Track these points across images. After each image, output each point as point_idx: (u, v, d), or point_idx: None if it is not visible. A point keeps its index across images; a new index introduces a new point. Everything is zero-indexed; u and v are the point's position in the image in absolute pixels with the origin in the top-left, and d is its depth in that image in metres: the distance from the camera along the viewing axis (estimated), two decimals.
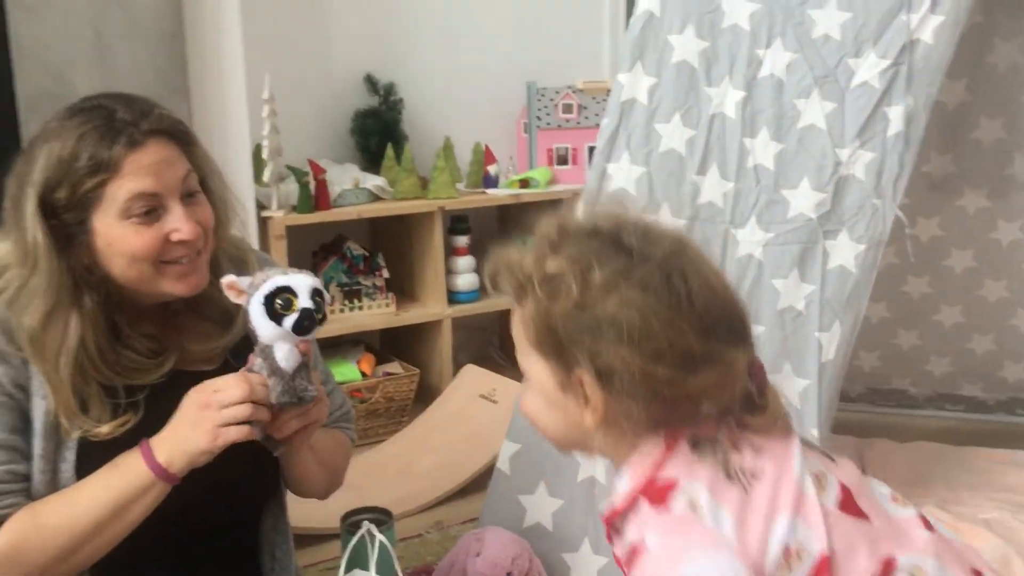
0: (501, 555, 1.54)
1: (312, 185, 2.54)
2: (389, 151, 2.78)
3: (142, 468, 1.13)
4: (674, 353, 0.83)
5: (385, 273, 2.75)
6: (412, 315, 2.77)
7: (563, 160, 3.02)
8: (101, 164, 1.10)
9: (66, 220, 1.13)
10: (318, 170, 2.57)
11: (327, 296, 1.19)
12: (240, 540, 1.35)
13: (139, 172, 1.12)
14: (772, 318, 1.75)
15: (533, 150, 3.03)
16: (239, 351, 1.23)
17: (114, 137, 1.11)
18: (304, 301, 1.13)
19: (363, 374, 2.68)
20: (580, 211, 0.93)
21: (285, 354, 1.14)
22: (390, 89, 2.89)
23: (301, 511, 2.03)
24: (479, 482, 2.19)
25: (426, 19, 2.98)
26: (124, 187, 1.12)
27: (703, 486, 0.85)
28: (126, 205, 1.12)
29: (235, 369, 1.17)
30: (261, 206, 2.51)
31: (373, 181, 2.71)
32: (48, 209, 1.12)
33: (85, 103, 1.16)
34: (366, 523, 1.42)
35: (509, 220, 3.08)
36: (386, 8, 2.92)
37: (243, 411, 1.11)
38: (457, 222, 2.88)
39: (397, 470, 2.44)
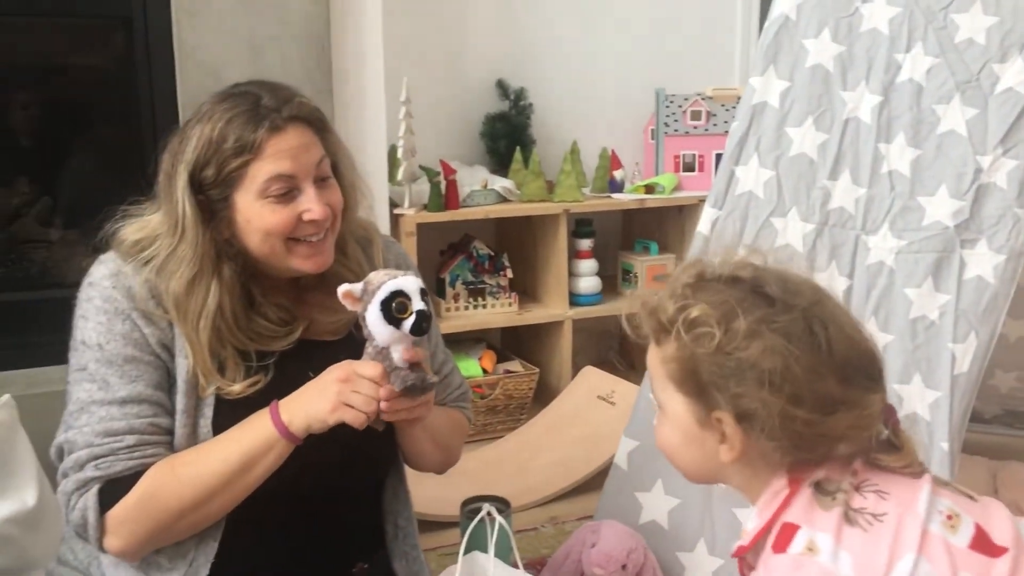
0: (617, 547, 1.56)
1: (443, 185, 2.62)
2: (517, 154, 2.84)
3: (268, 425, 1.21)
4: (814, 397, 0.88)
5: (509, 273, 2.81)
6: (534, 315, 2.82)
7: (689, 167, 3.02)
8: (245, 146, 1.20)
9: (211, 196, 1.24)
10: (449, 170, 2.65)
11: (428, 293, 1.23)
12: (363, 508, 1.41)
13: (278, 155, 1.21)
14: (903, 327, 1.71)
15: (660, 156, 3.04)
16: (360, 330, 1.31)
17: (258, 122, 1.20)
18: (418, 303, 1.19)
19: (484, 371, 2.74)
20: (714, 259, 0.98)
21: (401, 353, 1.20)
22: (520, 94, 2.96)
23: (422, 498, 2.10)
24: (595, 481, 2.21)
25: (558, 27, 3.04)
26: (264, 168, 1.21)
27: (822, 530, 0.88)
28: (264, 185, 1.22)
29: (358, 341, 1.25)
30: (394, 204, 2.61)
31: (501, 183, 2.78)
32: (196, 185, 1.23)
33: (235, 89, 1.26)
34: (486, 505, 1.47)
35: (633, 225, 3.10)
36: (519, 16, 2.99)
37: (368, 403, 1.19)
38: (581, 225, 2.91)
39: (514, 465, 2.48)
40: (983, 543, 0.89)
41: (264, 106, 1.22)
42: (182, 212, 1.23)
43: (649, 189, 2.93)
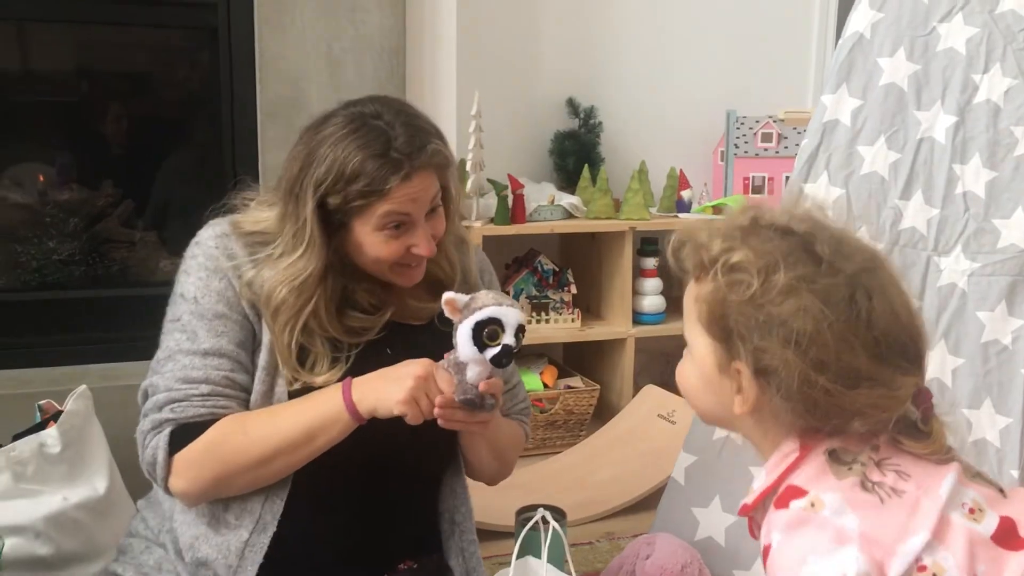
0: (671, 560, 1.54)
1: (510, 199, 2.64)
2: (585, 172, 2.85)
3: (337, 399, 1.25)
4: (839, 367, 0.84)
5: (573, 289, 2.82)
6: (596, 332, 2.82)
7: (759, 189, 3.00)
8: (374, 191, 1.25)
9: (333, 219, 1.29)
10: (516, 184, 2.68)
11: (525, 328, 1.25)
12: (421, 498, 1.43)
13: (403, 199, 1.26)
14: (974, 351, 1.68)
15: (729, 178, 3.02)
16: (445, 319, 1.33)
17: (391, 170, 1.24)
18: (508, 338, 1.21)
19: (545, 385, 2.74)
20: (779, 206, 0.94)
21: (477, 374, 1.23)
22: (590, 112, 2.98)
23: (479, 507, 2.11)
24: (652, 499, 2.19)
25: (630, 46, 3.05)
26: (386, 208, 1.27)
27: (831, 492, 0.85)
28: (382, 221, 1.28)
29: (440, 332, 1.28)
30: (461, 216, 2.64)
31: (568, 199, 2.79)
32: (320, 204, 1.28)
33: (366, 113, 1.28)
34: (541, 510, 1.47)
35: None
36: (591, 35, 3.01)
37: (431, 409, 1.22)
38: (647, 244, 2.91)
39: (572, 480, 2.48)
40: (1007, 536, 0.85)
41: (397, 150, 1.24)
42: (310, 232, 1.28)
43: (717, 210, 2.92)
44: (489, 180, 2.69)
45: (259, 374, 1.30)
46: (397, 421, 1.24)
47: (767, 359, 0.85)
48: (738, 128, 3.00)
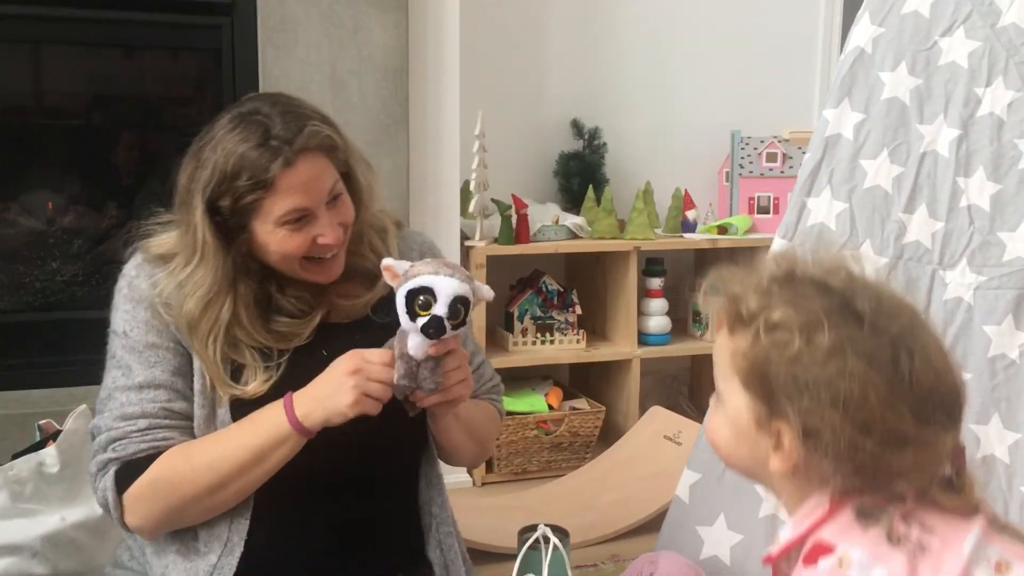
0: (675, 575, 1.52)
1: (513, 218, 2.64)
2: (590, 192, 2.85)
3: (282, 419, 1.23)
4: (885, 430, 0.83)
5: (578, 309, 2.80)
6: (601, 352, 2.80)
7: (764, 209, 2.99)
8: (258, 184, 1.22)
9: (229, 223, 1.26)
10: (520, 204, 2.67)
11: (472, 302, 1.22)
12: (398, 498, 1.40)
13: (291, 190, 1.23)
14: (981, 365, 1.65)
15: (734, 198, 3.01)
16: (379, 308, 1.33)
17: (270, 158, 1.21)
18: (440, 308, 1.18)
19: (550, 407, 2.72)
20: (808, 256, 0.92)
21: (416, 344, 1.21)
22: (594, 133, 2.98)
23: (482, 528, 2.09)
24: (658, 521, 2.14)
25: (634, 67, 3.06)
26: (278, 203, 1.24)
27: (860, 548, 0.84)
28: (279, 217, 1.25)
29: (375, 325, 1.27)
30: (465, 236, 2.64)
31: (572, 220, 2.79)
32: (214, 211, 1.25)
33: (245, 109, 1.26)
34: (541, 526, 1.45)
35: (705, 265, 3.07)
36: (595, 56, 3.02)
37: (385, 391, 1.21)
38: (652, 264, 2.90)
39: (577, 502, 2.45)
40: None
41: (275, 137, 1.22)
42: (201, 238, 1.26)
43: (722, 230, 2.91)
44: (493, 200, 2.68)
45: (197, 399, 1.28)
46: (354, 427, 1.22)
47: (812, 420, 0.84)
48: (743, 148, 3.00)
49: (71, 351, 2.27)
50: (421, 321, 1.18)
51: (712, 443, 0.96)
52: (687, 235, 2.88)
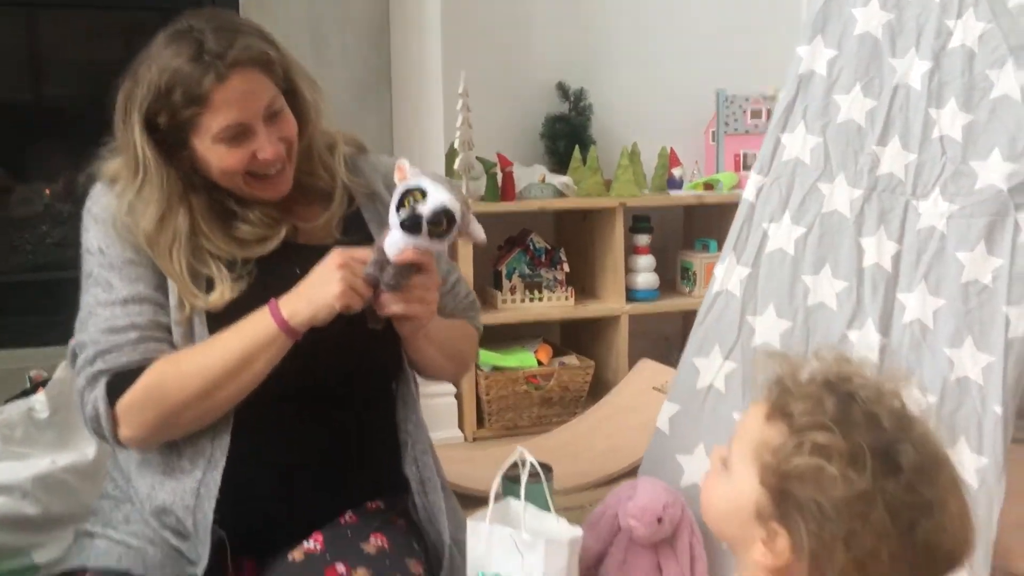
0: (653, 500, 1.54)
1: (499, 176, 2.66)
2: (576, 153, 2.87)
3: (268, 321, 1.24)
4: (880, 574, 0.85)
5: (566, 267, 2.82)
6: (590, 309, 2.82)
7: (750, 166, 2.99)
8: (193, 99, 1.23)
9: (168, 140, 1.28)
10: (506, 163, 2.69)
11: (458, 220, 1.23)
12: (374, 415, 1.42)
13: (226, 104, 1.24)
14: (955, 291, 1.67)
15: (720, 155, 3.03)
16: (349, 230, 1.35)
17: (203, 72, 1.22)
18: (423, 208, 1.20)
19: (540, 363, 2.75)
20: (867, 373, 0.92)
21: (393, 241, 1.23)
22: (580, 95, 3.00)
23: (471, 477, 2.11)
24: None
25: (619, 29, 3.08)
26: (215, 119, 1.25)
27: None
28: (217, 133, 1.26)
29: (346, 245, 1.27)
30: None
31: (559, 179, 2.81)
32: (152, 128, 1.27)
33: (181, 26, 1.27)
34: (519, 448, 1.47)
35: (694, 224, 3.09)
36: (580, 18, 3.04)
37: (367, 285, 1.23)
38: (639, 221, 2.92)
39: (567, 454, 2.47)
40: None
41: (208, 51, 1.23)
42: (142, 155, 1.27)
43: (709, 187, 2.93)
44: (478, 159, 2.70)
45: (173, 315, 1.30)
46: (331, 339, 1.24)
47: (814, 544, 0.85)
48: (728, 106, 3.02)
49: (61, 311, 2.30)
50: (402, 213, 1.20)
51: (705, 505, 0.97)
52: (673, 192, 2.90)
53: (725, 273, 1.80)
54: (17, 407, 1.76)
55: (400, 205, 1.22)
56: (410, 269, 1.25)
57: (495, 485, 1.47)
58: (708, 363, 1.75)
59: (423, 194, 1.20)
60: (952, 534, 0.86)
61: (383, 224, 1.28)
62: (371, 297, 1.27)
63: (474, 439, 2.66)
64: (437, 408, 2.56)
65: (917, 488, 0.85)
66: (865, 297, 1.72)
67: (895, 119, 1.78)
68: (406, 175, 1.23)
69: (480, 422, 2.68)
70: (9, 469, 1.69)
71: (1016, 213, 1.67)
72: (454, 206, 1.22)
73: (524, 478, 1.45)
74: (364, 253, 1.25)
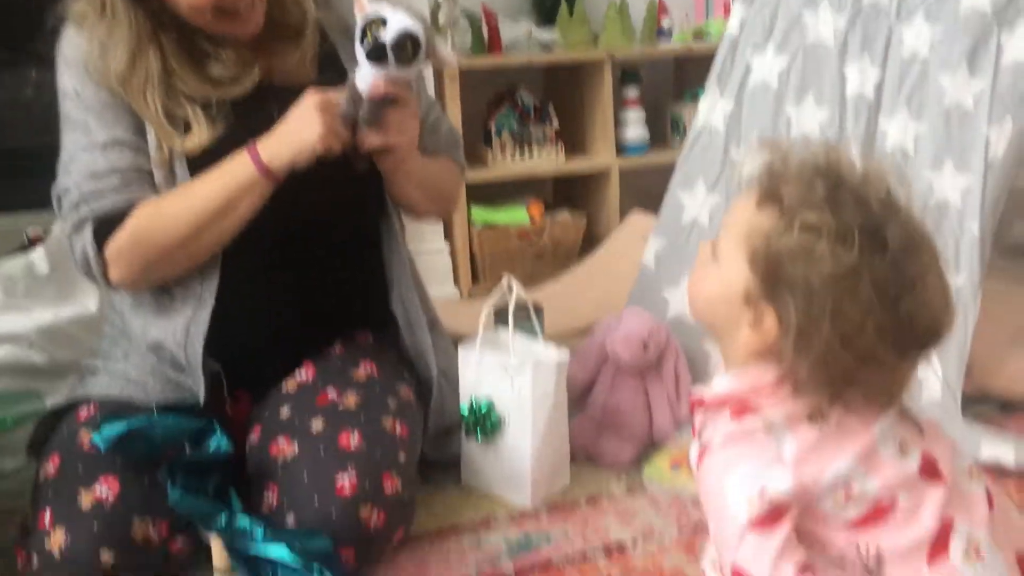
0: (637, 327, 1.59)
1: (485, 30, 2.62)
2: (563, 8, 2.82)
3: (248, 165, 1.26)
4: (866, 351, 0.87)
5: (555, 122, 2.81)
6: (580, 163, 2.83)
7: None
8: None
9: None
10: (491, 16, 2.65)
11: (423, 43, 1.23)
12: (359, 254, 1.46)
13: None
14: (936, 116, 1.68)
15: (709, 4, 2.98)
16: (325, 69, 1.35)
17: None
18: (386, 35, 1.21)
19: (532, 219, 2.77)
20: (856, 160, 0.93)
21: (363, 76, 1.24)
22: None
23: (466, 326, 2.16)
24: None
25: None
26: None
27: (781, 415, 0.90)
28: None
29: (324, 84, 1.28)
30: None
31: (546, 34, 2.77)
32: None
33: None
34: (506, 275, 1.51)
35: (684, 73, 3.06)
36: None
37: (344, 127, 1.24)
38: (628, 74, 2.89)
39: (559, 305, 2.51)
40: (928, 470, 0.92)
41: None
42: None
43: (698, 36, 2.89)
44: (463, 12, 2.66)
45: (153, 157, 1.31)
46: (313, 179, 1.26)
47: (803, 321, 0.87)
48: None
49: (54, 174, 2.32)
50: (365, 45, 1.21)
51: (693, 292, 0.99)
52: (663, 43, 2.86)
53: (708, 107, 1.80)
54: (17, 262, 1.79)
55: (363, 37, 1.22)
56: (384, 102, 1.26)
57: (484, 314, 1.52)
58: (692, 196, 1.78)
59: (384, 23, 1.20)
60: (933, 309, 0.89)
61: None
62: (351, 136, 1.28)
63: (469, 295, 2.71)
64: (432, 265, 2.60)
65: (902, 265, 0.87)
66: (847, 125, 1.73)
67: None
68: (364, 7, 1.23)
69: (475, 278, 2.73)
70: (14, 320, 1.74)
71: (999, 34, 1.66)
72: (416, 29, 1.22)
73: (512, 303, 1.50)
74: (340, 94, 1.26)
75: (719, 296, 0.94)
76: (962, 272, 1.62)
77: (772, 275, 0.89)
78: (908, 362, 0.91)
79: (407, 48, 1.22)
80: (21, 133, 2.42)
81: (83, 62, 1.30)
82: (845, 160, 0.92)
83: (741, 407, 0.92)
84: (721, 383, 0.95)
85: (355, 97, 1.25)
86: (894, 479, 0.90)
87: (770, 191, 0.91)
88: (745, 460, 0.90)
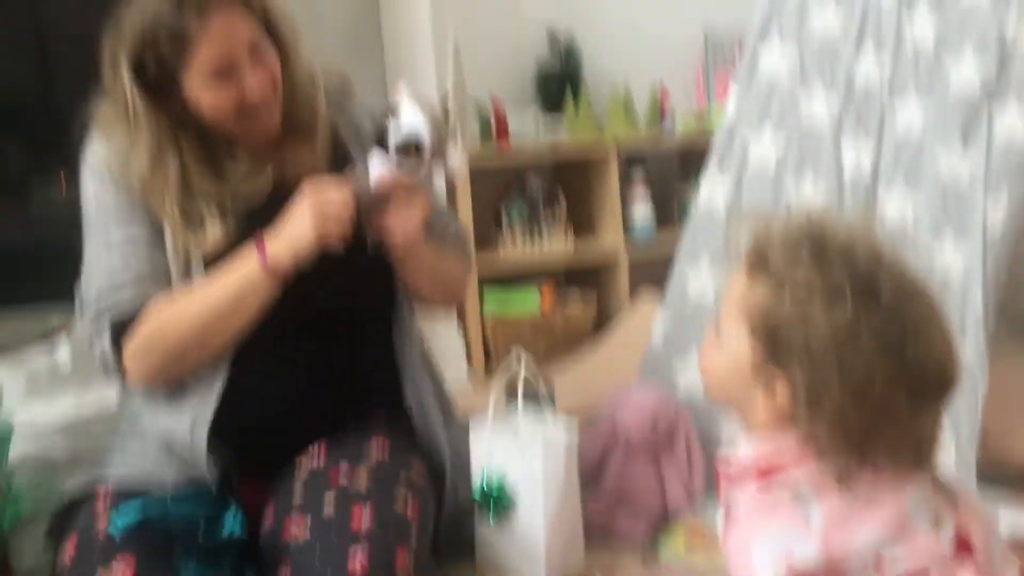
0: (646, 402, 1.61)
1: (492, 121, 2.71)
2: (569, 97, 2.91)
3: (254, 265, 1.30)
4: (880, 406, 0.87)
5: (564, 209, 2.87)
6: (590, 248, 2.88)
7: None
8: (177, 39, 1.28)
9: (157, 82, 1.32)
10: (499, 107, 2.74)
11: (426, 146, 1.30)
12: (372, 340, 1.48)
13: (209, 41, 1.29)
14: (933, 188, 1.72)
15: (710, 91, 3.07)
16: (337, 168, 1.40)
17: (184, 12, 1.28)
18: (395, 131, 1.28)
19: (543, 303, 2.81)
20: (840, 220, 0.95)
21: (373, 165, 1.31)
22: (570, 40, 3.03)
23: (472, 406, 2.18)
24: None
25: None
26: (200, 57, 1.29)
27: (808, 480, 0.90)
28: (203, 71, 1.30)
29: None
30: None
31: (552, 123, 2.86)
32: (141, 73, 1.31)
33: None
34: (515, 349, 1.53)
35: (690, 158, 3.12)
36: None
37: (342, 217, 1.28)
38: (633, 160, 2.96)
39: (572, 387, 2.53)
40: (961, 545, 0.90)
41: None
42: (131, 101, 1.32)
43: (701, 121, 2.96)
44: (472, 101, 2.75)
45: (170, 257, 1.35)
46: (325, 268, 1.29)
47: (812, 383, 0.88)
48: (716, 42, 3.05)
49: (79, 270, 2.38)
50: (376, 137, 1.29)
51: (705, 372, 1.00)
52: (666, 129, 2.94)
53: (710, 187, 1.85)
54: (41, 356, 1.83)
55: (384, 126, 1.29)
56: (389, 189, 1.32)
57: (495, 389, 1.53)
58: (697, 273, 1.81)
59: (397, 118, 1.28)
60: (939, 354, 0.89)
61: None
62: (358, 221, 1.33)
63: (482, 379, 2.73)
64: (445, 349, 2.62)
65: (899, 313, 0.87)
66: (846, 201, 1.77)
67: (868, 26, 1.82)
68: (400, 91, 1.30)
69: (488, 362, 2.75)
70: (36, 414, 1.77)
71: (990, 108, 1.71)
72: (423, 132, 1.29)
73: (521, 376, 1.52)
74: (334, 183, 1.30)
75: (729, 372, 0.95)
76: (968, 344, 1.63)
77: (773, 342, 0.90)
78: (926, 414, 0.90)
79: (411, 148, 1.29)
80: (48, 229, 2.51)
81: (105, 166, 1.36)
82: (829, 221, 0.93)
83: (766, 474, 0.92)
84: (745, 450, 0.95)
85: (364, 185, 1.31)
86: (926, 553, 0.87)
87: (758, 260, 0.92)
88: (771, 528, 0.88)
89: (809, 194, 1.80)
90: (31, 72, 2.57)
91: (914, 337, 0.87)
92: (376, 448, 1.40)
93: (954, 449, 1.58)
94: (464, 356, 2.72)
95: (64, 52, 2.56)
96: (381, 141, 1.28)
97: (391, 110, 1.29)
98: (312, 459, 1.40)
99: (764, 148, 1.82)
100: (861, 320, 0.86)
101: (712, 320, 0.99)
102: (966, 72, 1.73)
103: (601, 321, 2.86)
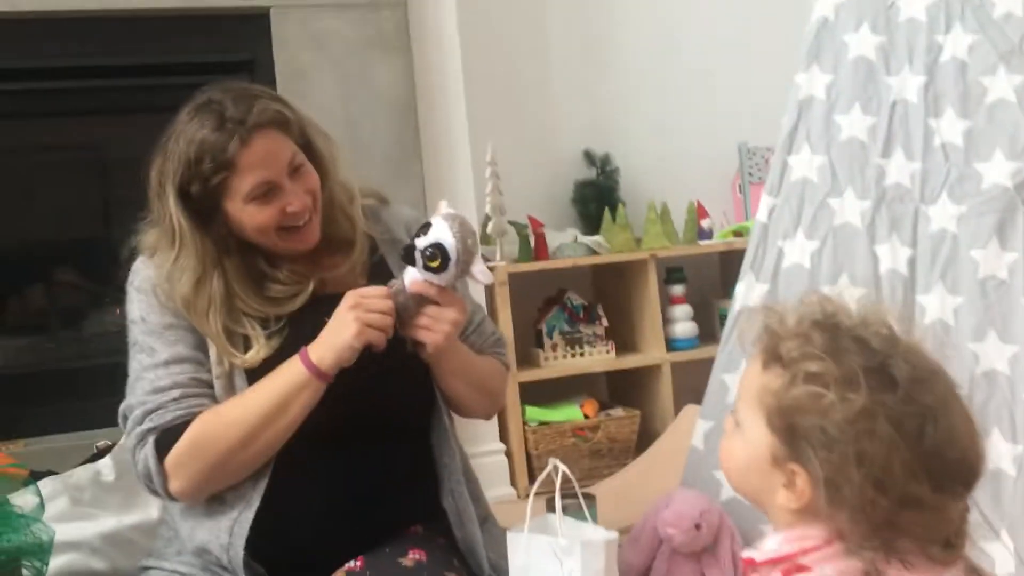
0: (688, 508, 1.57)
1: (531, 237, 2.76)
2: (606, 214, 2.97)
3: (299, 366, 1.33)
4: (901, 493, 0.86)
5: (604, 321, 2.89)
6: (631, 360, 2.87)
7: None
8: (220, 165, 1.34)
9: (202, 207, 1.38)
10: (537, 224, 2.80)
11: (453, 258, 1.33)
12: (410, 450, 1.48)
13: (252, 166, 1.35)
14: (972, 288, 1.71)
15: (747, 205, 3.11)
16: (374, 277, 1.44)
17: (227, 138, 1.34)
18: (421, 242, 1.33)
19: (586, 416, 2.79)
20: (852, 306, 0.95)
21: (408, 272, 1.35)
22: (606, 159, 3.12)
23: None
24: None
25: (639, 91, 3.20)
26: (243, 180, 1.35)
27: (835, 575, 0.88)
28: (246, 193, 1.36)
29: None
30: (485, 260, 2.76)
31: (591, 238, 2.91)
32: (186, 198, 1.38)
33: (200, 102, 1.38)
34: (552, 460, 1.52)
35: (730, 269, 3.14)
36: (601, 84, 3.18)
37: (383, 317, 1.32)
38: (672, 272, 2.98)
39: (617, 500, 2.49)
40: None
41: (229, 119, 1.33)
42: (177, 225, 1.38)
43: (738, 234, 2.99)
44: (510, 222, 2.82)
45: (214, 370, 1.39)
46: (363, 379, 1.32)
47: (831, 472, 0.87)
48: (751, 157, 3.11)
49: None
50: (405, 247, 1.34)
51: (725, 465, 1.00)
52: (703, 242, 2.97)
53: (745, 291, 1.86)
54: (86, 471, 1.86)
55: (415, 236, 1.34)
56: (423, 297, 1.35)
57: (531, 496, 1.51)
58: (735, 378, 1.79)
59: (427, 229, 1.33)
60: (959, 439, 0.87)
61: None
62: (402, 323, 1.36)
63: (526, 495, 2.69)
64: (488, 465, 2.61)
65: (915, 398, 0.86)
66: (884, 303, 1.76)
67: (896, 132, 1.86)
68: (440, 209, 1.36)
69: (531, 478, 2.71)
70: (78, 528, 1.78)
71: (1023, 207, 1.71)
72: (448, 244, 1.33)
73: (558, 483, 1.50)
74: (375, 290, 1.35)
75: (748, 464, 0.94)
76: (1020, 441, 1.59)
77: (790, 433, 0.89)
78: (951, 501, 0.87)
79: (436, 258, 1.33)
80: (101, 356, 2.58)
81: (151, 290, 1.41)
82: (841, 308, 0.93)
83: (793, 569, 0.89)
84: (771, 544, 0.92)
85: (401, 289, 1.35)
86: None
87: (772, 351, 0.92)
88: None
89: (847, 298, 1.79)
90: (95, 206, 2.70)
91: (934, 422, 0.86)
92: (412, 558, 1.39)
93: (1013, 551, 1.51)
94: (507, 471, 2.70)
95: (122, 185, 2.70)
96: (411, 251, 1.32)
97: (426, 222, 1.34)
98: (349, 571, 1.39)
99: (797, 252, 1.83)
100: (877, 406, 0.86)
101: (730, 412, 0.99)
102: (997, 173, 1.75)
103: (645, 433, 2.83)
